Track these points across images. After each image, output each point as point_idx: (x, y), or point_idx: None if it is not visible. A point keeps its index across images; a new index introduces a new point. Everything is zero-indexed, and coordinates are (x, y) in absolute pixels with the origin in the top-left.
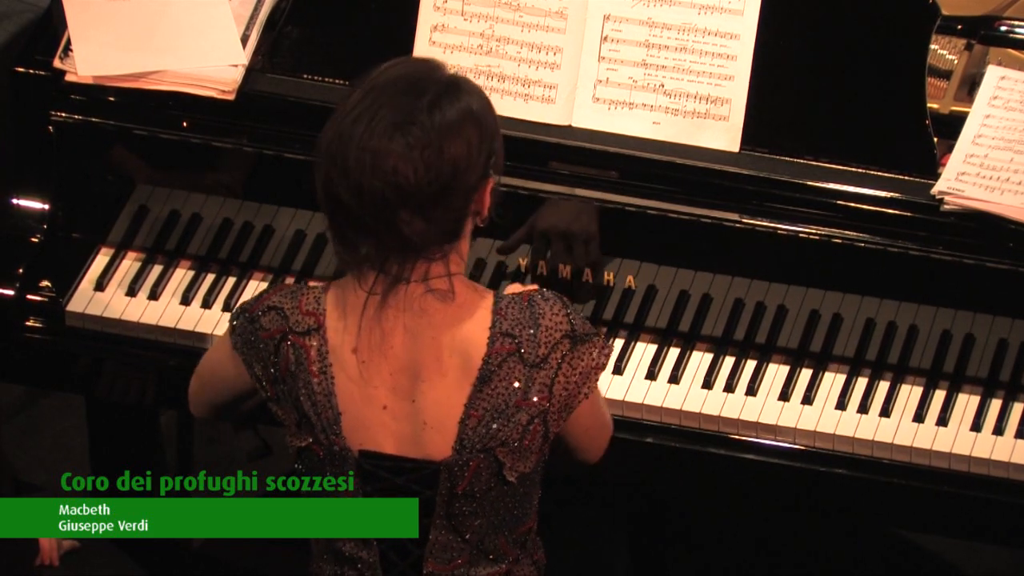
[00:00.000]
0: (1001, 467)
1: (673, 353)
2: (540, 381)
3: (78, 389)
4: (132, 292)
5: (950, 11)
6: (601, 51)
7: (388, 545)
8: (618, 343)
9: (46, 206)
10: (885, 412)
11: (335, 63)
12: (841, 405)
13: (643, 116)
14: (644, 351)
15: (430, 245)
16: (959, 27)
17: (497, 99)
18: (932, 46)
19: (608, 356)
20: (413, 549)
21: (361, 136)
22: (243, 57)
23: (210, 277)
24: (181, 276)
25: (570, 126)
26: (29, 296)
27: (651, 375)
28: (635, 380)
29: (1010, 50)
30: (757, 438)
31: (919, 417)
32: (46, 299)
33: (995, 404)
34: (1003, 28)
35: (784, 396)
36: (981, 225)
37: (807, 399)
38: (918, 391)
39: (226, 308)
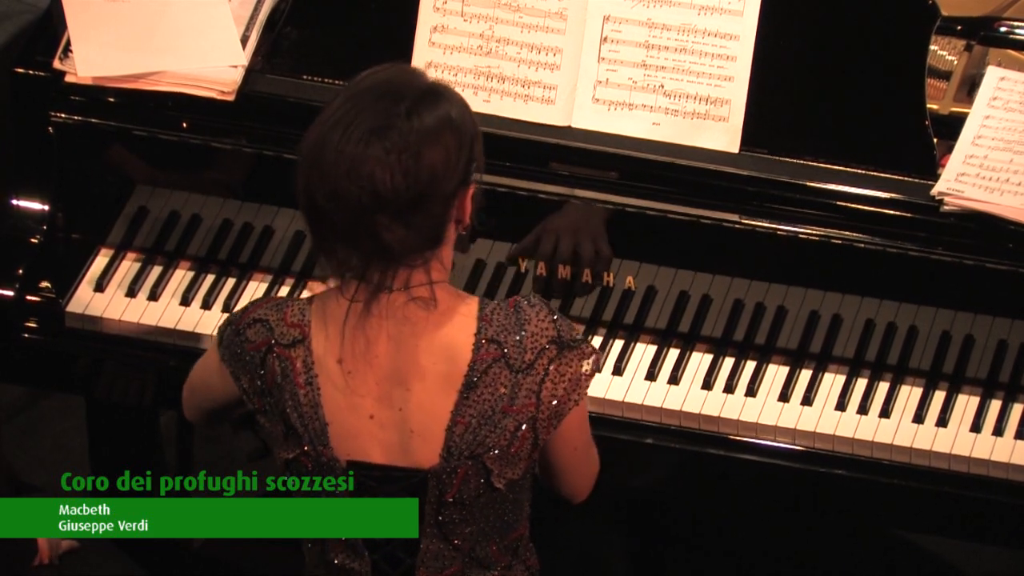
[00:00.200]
0: (1001, 468)
1: (673, 354)
2: (527, 387)
3: (78, 390)
4: (132, 293)
5: (950, 12)
6: (601, 52)
7: (380, 555)
8: (618, 344)
9: (46, 207)
10: (885, 413)
11: (335, 64)
12: (841, 406)
13: (643, 117)
14: (644, 352)
15: (410, 252)
16: (959, 28)
17: (497, 100)
18: (932, 47)
19: (597, 362)
20: (405, 558)
21: (339, 141)
22: (243, 58)
23: (210, 278)
24: (181, 277)
25: (570, 127)
26: (29, 297)
27: (651, 376)
28: (635, 381)
29: (1010, 51)
30: (757, 439)
31: (919, 418)
32: (46, 300)
33: (995, 405)
34: (1003, 29)
35: (784, 397)
36: (981, 226)
37: (807, 400)
38: (918, 392)
39: (226, 309)
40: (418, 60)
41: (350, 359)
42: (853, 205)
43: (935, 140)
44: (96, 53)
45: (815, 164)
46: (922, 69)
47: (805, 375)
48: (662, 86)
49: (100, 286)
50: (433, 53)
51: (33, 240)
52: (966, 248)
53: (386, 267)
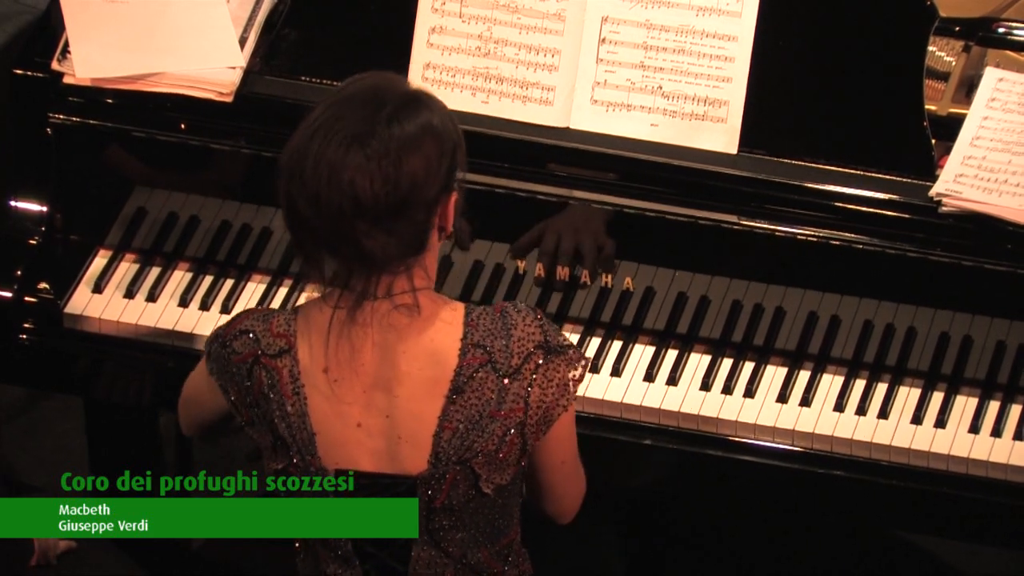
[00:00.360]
0: (999, 469)
1: (671, 355)
2: (514, 392)
3: (76, 391)
4: (130, 294)
5: (948, 13)
6: (599, 53)
7: (371, 565)
8: (616, 345)
9: (44, 208)
10: (883, 414)
11: (333, 65)
12: (839, 407)
13: (641, 118)
14: (642, 353)
15: (392, 259)
16: (957, 29)
17: (495, 101)
18: (930, 48)
19: (585, 368)
20: (397, 567)
21: (319, 148)
22: (241, 59)
23: (208, 279)
24: (179, 278)
25: (568, 128)
26: (27, 298)
27: (649, 377)
28: (633, 382)
29: (1008, 52)
30: (755, 440)
31: (917, 419)
32: (44, 301)
33: (993, 406)
34: (1001, 30)
35: (782, 398)
36: (979, 227)
37: (805, 401)
38: (916, 393)
39: (224, 310)
40: (416, 61)
41: (336, 367)
42: (851, 206)
43: (933, 141)
44: (95, 54)
45: (813, 165)
46: (920, 70)
47: (803, 376)
48: (660, 87)
49: (98, 287)
50: (431, 54)
51: (31, 241)
52: (964, 249)
53: (369, 274)
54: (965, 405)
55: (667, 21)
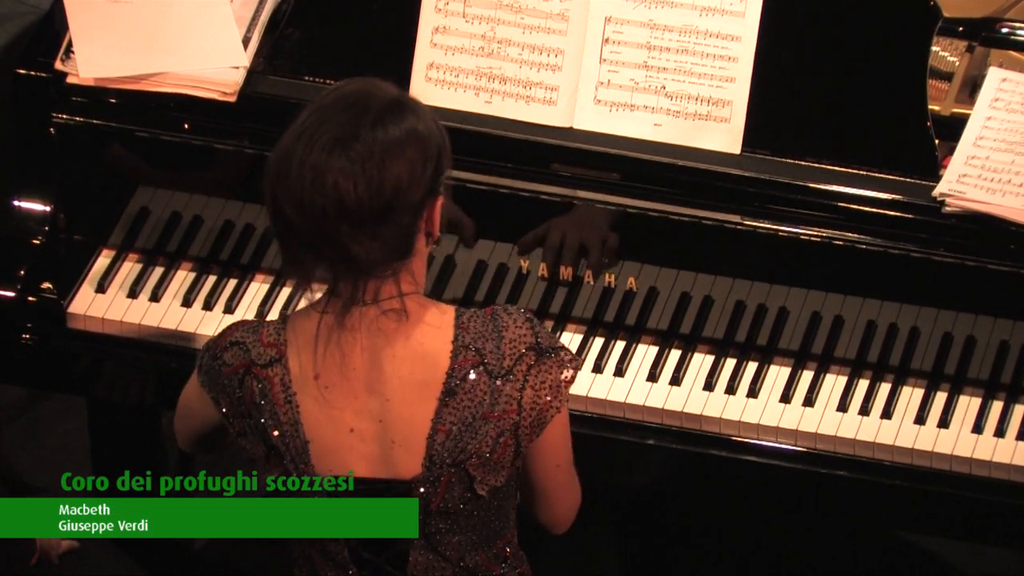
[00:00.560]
0: (1003, 469)
1: (675, 355)
2: (507, 393)
3: (79, 391)
4: (133, 294)
5: (951, 13)
6: (603, 53)
7: (369, 572)
8: (620, 345)
9: (47, 208)
10: (886, 414)
11: (336, 65)
12: (843, 407)
13: (644, 118)
14: (646, 353)
15: (378, 264)
16: (960, 29)
17: (499, 101)
18: (933, 48)
19: (577, 369)
20: (394, 573)
21: (303, 152)
22: (244, 59)
23: (211, 279)
24: (182, 278)
25: (571, 128)
26: (30, 298)
27: (652, 377)
28: (636, 382)
29: (1011, 52)
30: (758, 440)
31: (920, 419)
32: (47, 301)
33: (996, 406)
34: (1004, 30)
35: (785, 398)
36: (982, 227)
37: (808, 401)
38: (919, 393)
39: (227, 310)
40: (420, 61)
41: (326, 374)
42: (855, 206)
43: (937, 141)
44: (98, 54)
45: (817, 165)
46: (924, 70)
47: (807, 376)
48: (664, 87)
49: (101, 287)
50: (435, 54)
51: (35, 241)
52: (968, 249)
53: (356, 279)
54: (968, 405)
55: (670, 21)
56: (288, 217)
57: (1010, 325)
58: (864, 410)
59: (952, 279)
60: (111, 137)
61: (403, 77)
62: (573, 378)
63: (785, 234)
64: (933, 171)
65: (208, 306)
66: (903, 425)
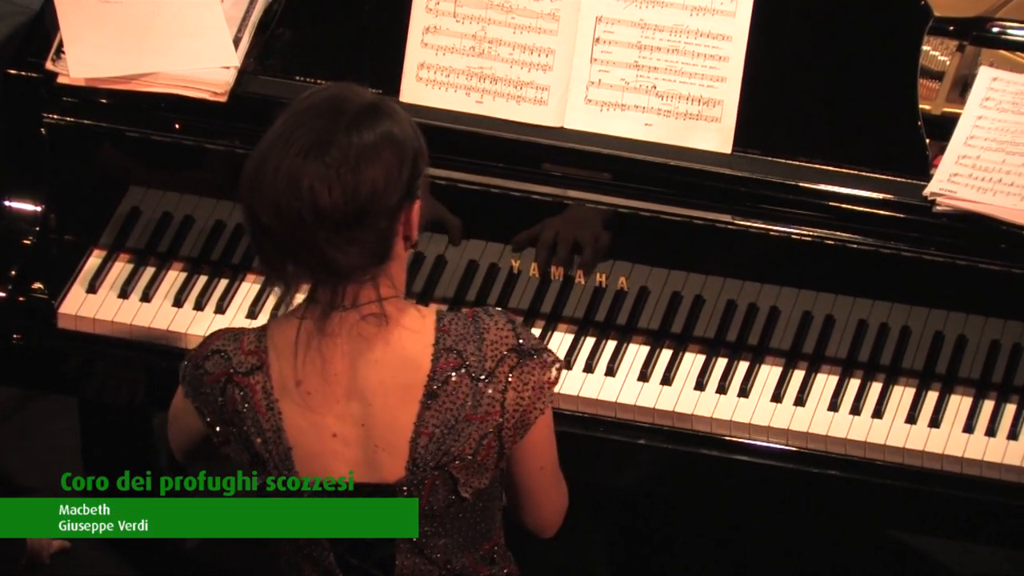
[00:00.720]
0: (993, 468)
1: (665, 355)
2: (489, 395)
3: (70, 391)
4: (124, 294)
5: (942, 12)
6: (593, 53)
7: None
8: (611, 344)
9: (38, 208)
10: (878, 413)
11: (327, 65)
12: (834, 406)
13: (635, 118)
14: (637, 352)
15: (356, 268)
16: (951, 28)
17: (489, 100)
18: (924, 47)
19: (560, 370)
20: None
21: (278, 157)
22: (235, 59)
23: (202, 279)
24: (174, 278)
25: (562, 128)
26: (21, 298)
27: (643, 376)
28: (628, 381)
29: (1002, 51)
30: (749, 439)
31: (912, 418)
32: (38, 301)
33: (987, 405)
34: (995, 29)
35: (776, 398)
36: (973, 226)
37: (800, 400)
38: (911, 392)
39: (218, 310)
40: (410, 61)
41: (308, 380)
42: (846, 206)
43: (927, 140)
44: (89, 54)
45: (808, 165)
46: (915, 69)
47: (798, 376)
48: (654, 87)
49: (93, 287)
50: (425, 54)
51: (25, 241)
52: (959, 248)
53: (335, 284)
54: (959, 404)
55: (661, 20)
56: (264, 223)
57: (1001, 324)
58: (855, 409)
59: (943, 278)
60: (102, 137)
61: (394, 77)
62: (556, 379)
63: (776, 234)
64: (924, 170)
65: (199, 306)
66: (894, 424)
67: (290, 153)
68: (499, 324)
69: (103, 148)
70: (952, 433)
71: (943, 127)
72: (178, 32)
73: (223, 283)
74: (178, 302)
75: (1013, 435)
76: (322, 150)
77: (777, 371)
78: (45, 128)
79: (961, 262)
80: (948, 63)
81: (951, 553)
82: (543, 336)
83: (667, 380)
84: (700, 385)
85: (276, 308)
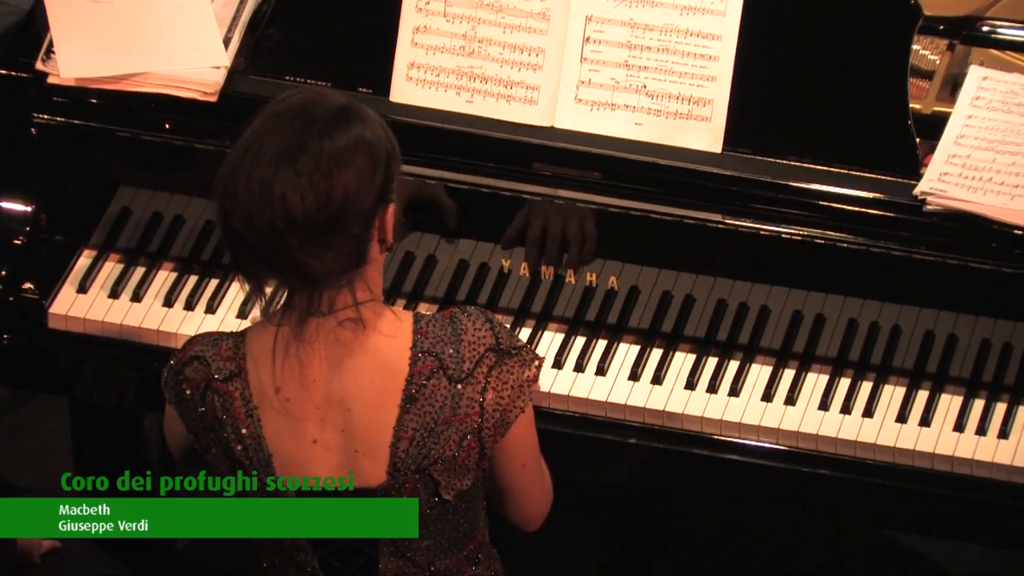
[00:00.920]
0: (984, 467)
1: (656, 354)
2: (468, 396)
3: (61, 391)
4: (115, 294)
5: (932, 11)
6: (583, 52)
7: None
8: (601, 344)
9: (28, 208)
10: (868, 412)
11: (317, 65)
12: (824, 405)
13: (625, 117)
14: (627, 352)
15: (332, 274)
16: (941, 27)
17: (480, 100)
18: (914, 46)
19: (539, 368)
20: None
21: (250, 165)
22: (225, 59)
23: (193, 279)
24: (164, 278)
25: (552, 127)
26: (11, 298)
27: (634, 376)
28: (618, 381)
29: (992, 50)
30: (740, 439)
31: (902, 417)
32: (28, 301)
33: (978, 404)
34: (985, 28)
35: (767, 397)
36: (963, 225)
37: (790, 400)
38: (901, 391)
39: (209, 310)
40: (401, 61)
41: (286, 386)
42: (836, 205)
43: (918, 140)
44: (79, 54)
45: (798, 164)
46: (905, 69)
47: (788, 375)
48: (645, 86)
49: (83, 287)
50: (416, 53)
51: (16, 241)
52: (949, 247)
53: (311, 290)
54: (950, 404)
55: (651, 20)
56: (239, 232)
57: (991, 323)
58: (846, 408)
59: (933, 277)
60: (92, 137)
61: (384, 77)
62: (536, 377)
63: (766, 233)
64: (914, 169)
65: (190, 306)
66: (885, 423)
67: (262, 161)
68: (477, 324)
69: (93, 148)
70: (942, 432)
71: (933, 126)
72: (168, 32)
73: (213, 283)
74: (168, 302)
75: (1003, 434)
76: (294, 157)
77: (767, 370)
78: (35, 128)
79: (951, 261)
80: (938, 62)
81: (942, 552)
82: (533, 335)
83: (657, 379)
84: (690, 384)
85: (263, 313)
